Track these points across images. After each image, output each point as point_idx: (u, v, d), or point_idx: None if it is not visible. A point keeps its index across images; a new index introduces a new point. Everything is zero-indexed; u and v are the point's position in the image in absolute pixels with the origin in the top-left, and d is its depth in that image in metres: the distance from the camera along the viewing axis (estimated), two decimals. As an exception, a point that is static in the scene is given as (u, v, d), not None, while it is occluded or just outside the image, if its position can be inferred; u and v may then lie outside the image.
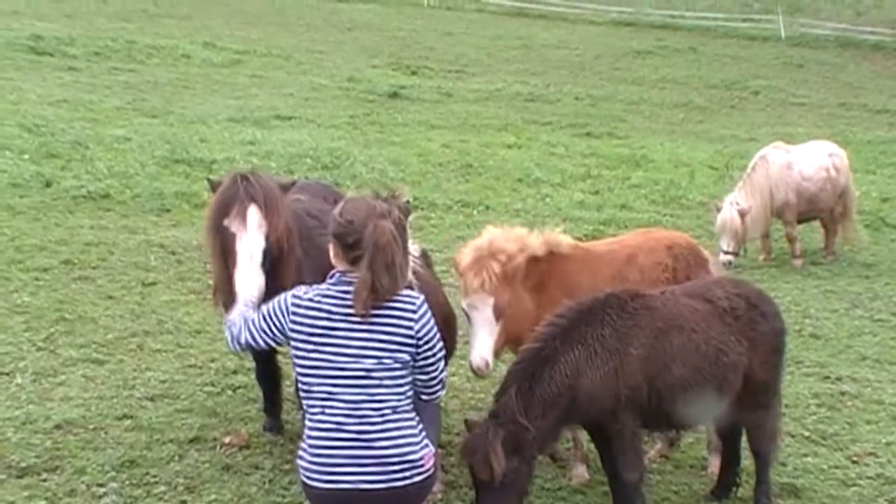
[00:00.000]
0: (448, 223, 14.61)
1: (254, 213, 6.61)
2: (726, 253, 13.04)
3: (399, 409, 5.42)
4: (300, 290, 5.48)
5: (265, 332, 5.51)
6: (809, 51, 37.79)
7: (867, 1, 46.83)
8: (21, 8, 32.22)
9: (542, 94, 26.90)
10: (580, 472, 7.48)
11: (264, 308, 5.48)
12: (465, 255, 7.15)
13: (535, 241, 7.25)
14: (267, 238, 6.60)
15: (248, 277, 6.41)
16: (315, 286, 5.49)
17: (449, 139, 20.26)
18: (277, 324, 5.45)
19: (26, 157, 15.42)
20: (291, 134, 19.08)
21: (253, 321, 5.53)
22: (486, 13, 43.18)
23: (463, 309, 7.10)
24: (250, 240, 6.55)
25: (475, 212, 15.24)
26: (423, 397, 5.61)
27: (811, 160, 14.06)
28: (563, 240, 7.51)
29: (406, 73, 28.54)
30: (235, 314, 5.71)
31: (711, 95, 28.93)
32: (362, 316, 5.33)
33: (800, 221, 14.27)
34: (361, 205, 5.57)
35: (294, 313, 5.41)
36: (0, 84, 21.04)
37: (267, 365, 7.98)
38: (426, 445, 5.51)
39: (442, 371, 5.63)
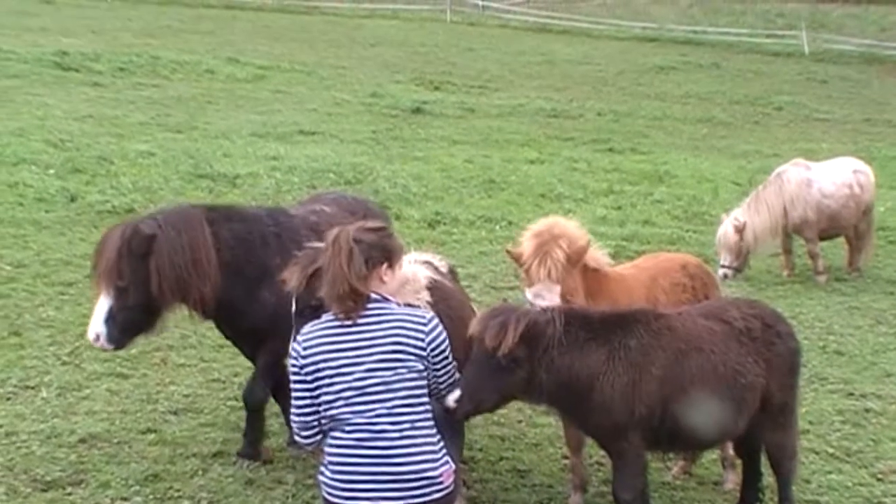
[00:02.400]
0: (470, 238, 14.62)
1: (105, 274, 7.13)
2: (723, 266, 13.16)
3: (417, 426, 5.46)
4: (304, 329, 5.63)
5: (301, 402, 5.59)
6: (833, 66, 37.67)
7: (891, 17, 46.69)
8: (47, 24, 32.48)
9: (564, 109, 26.88)
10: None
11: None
12: (526, 243, 7.13)
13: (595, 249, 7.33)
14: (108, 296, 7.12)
15: (91, 328, 7.17)
16: (324, 316, 5.63)
17: (471, 154, 20.28)
18: (299, 383, 5.56)
19: (52, 171, 15.54)
20: (314, 149, 19.14)
21: (294, 413, 5.65)
22: (509, 28, 43.27)
23: (527, 300, 6.99)
24: (101, 299, 7.17)
25: (498, 227, 15.24)
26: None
27: (833, 177, 13.98)
28: (606, 259, 7.62)
29: (429, 89, 28.57)
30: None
31: (735, 111, 28.85)
32: (350, 321, 5.40)
33: (823, 238, 14.22)
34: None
35: (305, 349, 5.52)
36: (27, 100, 21.22)
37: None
38: (446, 462, 5.54)
39: (453, 387, 5.69)
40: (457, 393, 5.87)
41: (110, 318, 7.13)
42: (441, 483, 5.52)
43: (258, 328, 7.57)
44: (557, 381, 6.18)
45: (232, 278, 7.36)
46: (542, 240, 7.05)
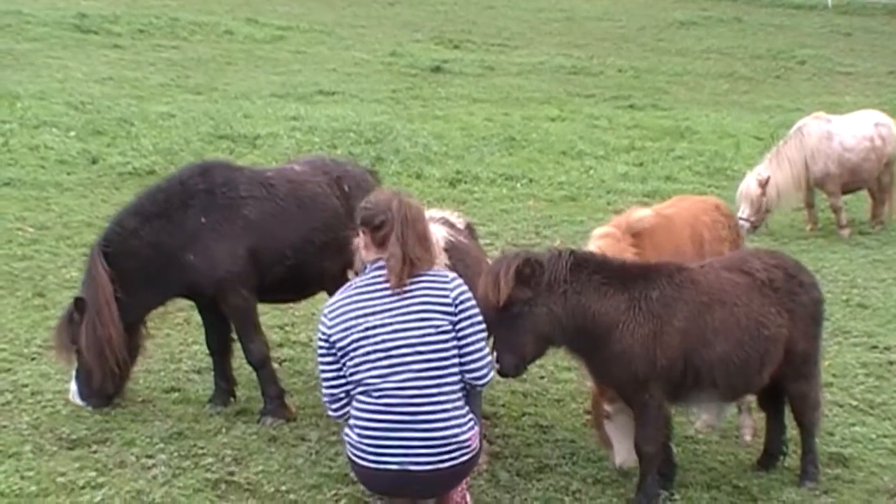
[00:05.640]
0: (491, 196, 14.59)
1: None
2: (741, 219, 12.91)
3: (445, 390, 5.49)
4: (328, 302, 5.72)
5: (329, 374, 5.70)
6: (857, 19, 37.19)
7: (916, -33, 46.03)
8: (66, -13, 32.40)
9: (585, 66, 26.68)
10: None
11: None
12: None
13: (625, 244, 7.32)
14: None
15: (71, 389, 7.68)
16: (343, 288, 5.68)
17: (492, 112, 20.20)
18: (326, 355, 5.64)
19: (73, 134, 15.58)
20: (334, 109, 19.10)
21: (323, 388, 5.78)
22: (528, -15, 42.90)
23: None
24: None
25: (518, 185, 15.21)
26: (468, 377, 5.62)
27: (853, 130, 13.83)
28: (644, 214, 7.66)
29: (448, 47, 28.40)
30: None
31: (757, 65, 28.58)
32: (398, 288, 5.43)
33: (846, 192, 14.12)
34: (383, 192, 5.95)
35: (332, 317, 5.58)
36: (47, 62, 21.22)
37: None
38: (473, 426, 5.57)
39: (486, 353, 5.67)
40: (494, 356, 5.99)
41: (79, 378, 7.58)
42: (469, 446, 5.56)
43: (200, 291, 7.74)
44: (575, 323, 6.24)
45: (156, 259, 7.54)
46: None
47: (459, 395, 5.57)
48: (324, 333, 5.60)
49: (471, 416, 5.63)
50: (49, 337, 7.78)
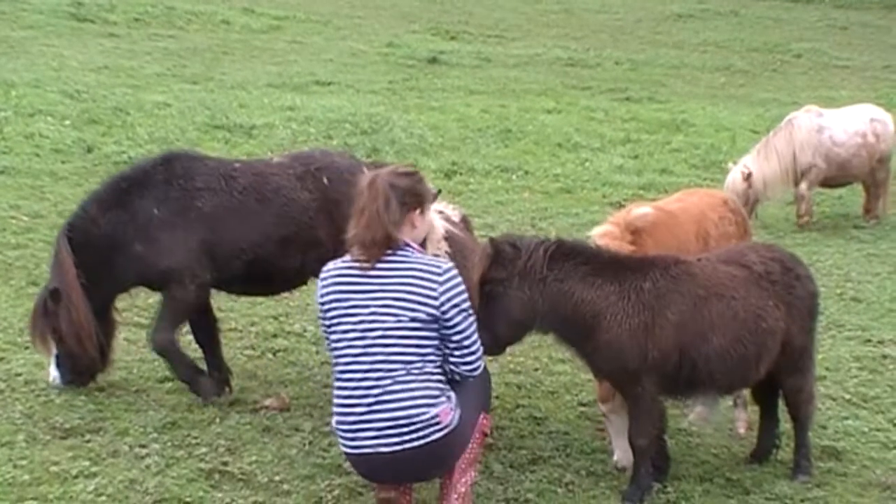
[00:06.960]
0: (487, 188, 14.59)
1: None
2: None
3: (413, 370, 5.50)
4: (326, 266, 5.74)
5: (324, 332, 5.81)
6: (853, 12, 37.25)
7: (913, -38, 46.03)
8: (62, -25, 32.32)
9: (581, 58, 26.69)
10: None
11: None
12: None
13: (623, 242, 7.27)
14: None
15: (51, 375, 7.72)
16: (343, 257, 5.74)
17: (488, 104, 20.18)
18: (321, 317, 5.75)
19: (68, 122, 15.54)
20: (330, 99, 19.07)
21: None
22: (526, -23, 42.90)
23: None
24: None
25: (514, 177, 15.21)
26: (455, 368, 5.63)
27: (845, 125, 13.77)
28: (643, 211, 7.58)
29: (445, 39, 28.39)
30: None
31: (753, 59, 28.60)
32: (368, 266, 5.50)
33: (835, 185, 14.10)
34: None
35: (323, 287, 5.64)
36: (42, 51, 21.17)
37: None
38: (443, 403, 5.55)
39: (475, 346, 5.66)
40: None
41: (60, 364, 7.66)
42: (439, 423, 5.53)
43: (150, 282, 7.76)
44: (556, 310, 6.26)
45: (112, 248, 7.54)
46: None
47: (432, 376, 5.56)
48: (319, 297, 5.68)
49: (445, 394, 5.61)
50: (27, 328, 7.80)
